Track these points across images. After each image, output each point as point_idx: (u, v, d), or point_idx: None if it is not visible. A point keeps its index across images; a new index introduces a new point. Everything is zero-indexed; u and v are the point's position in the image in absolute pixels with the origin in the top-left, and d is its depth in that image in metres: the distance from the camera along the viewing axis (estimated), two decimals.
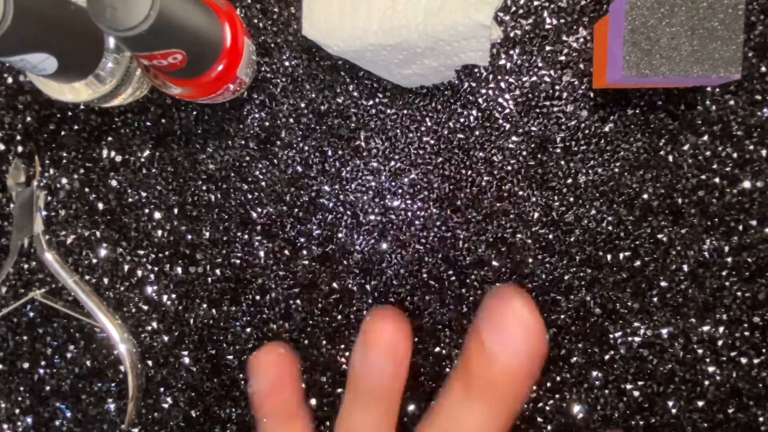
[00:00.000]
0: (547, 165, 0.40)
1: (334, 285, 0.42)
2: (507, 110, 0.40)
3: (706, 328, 0.41)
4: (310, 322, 0.42)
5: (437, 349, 0.42)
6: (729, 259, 0.40)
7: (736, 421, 0.41)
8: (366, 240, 0.42)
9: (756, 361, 0.41)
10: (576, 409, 0.41)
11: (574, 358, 0.41)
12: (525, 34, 0.40)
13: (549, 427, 0.42)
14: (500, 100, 0.40)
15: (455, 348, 0.42)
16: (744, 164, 0.40)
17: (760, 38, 0.39)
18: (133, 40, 0.28)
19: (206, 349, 0.43)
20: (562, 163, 0.40)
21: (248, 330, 0.43)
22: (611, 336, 0.41)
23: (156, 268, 0.43)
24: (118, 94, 0.38)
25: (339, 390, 0.43)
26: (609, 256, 0.41)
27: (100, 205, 0.43)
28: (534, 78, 0.40)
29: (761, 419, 0.41)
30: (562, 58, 0.40)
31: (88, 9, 0.27)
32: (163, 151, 0.42)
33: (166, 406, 0.44)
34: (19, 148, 0.43)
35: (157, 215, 0.42)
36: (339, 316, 0.42)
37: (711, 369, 0.41)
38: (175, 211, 0.42)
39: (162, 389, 0.43)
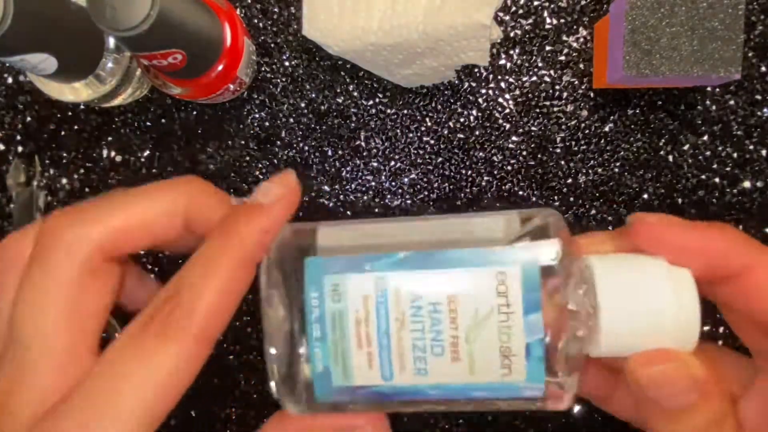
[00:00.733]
0: (547, 165, 0.40)
1: None
2: (507, 110, 0.40)
3: (706, 328, 0.41)
4: None
5: None
6: None
7: None
8: None
9: None
10: (576, 409, 0.41)
11: None
12: (525, 34, 0.40)
13: (549, 426, 0.42)
14: (500, 100, 0.40)
15: None
16: (744, 164, 0.40)
17: (760, 38, 0.39)
18: (133, 40, 0.28)
19: None
20: (562, 163, 0.40)
21: (248, 330, 0.43)
22: None
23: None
24: (118, 94, 0.38)
25: None
26: None
27: None
28: (534, 78, 0.40)
29: None
30: (562, 58, 0.40)
31: (88, 9, 0.27)
32: (163, 151, 0.42)
33: None
34: (19, 148, 0.43)
35: None
36: None
37: None
38: None
39: None
